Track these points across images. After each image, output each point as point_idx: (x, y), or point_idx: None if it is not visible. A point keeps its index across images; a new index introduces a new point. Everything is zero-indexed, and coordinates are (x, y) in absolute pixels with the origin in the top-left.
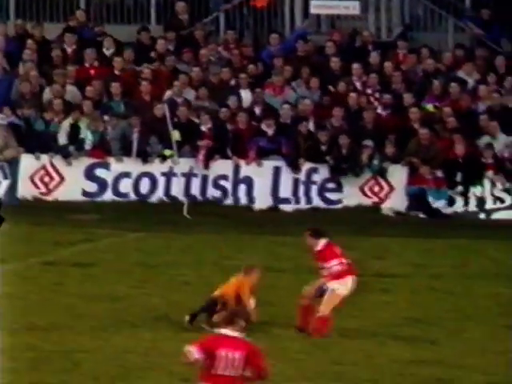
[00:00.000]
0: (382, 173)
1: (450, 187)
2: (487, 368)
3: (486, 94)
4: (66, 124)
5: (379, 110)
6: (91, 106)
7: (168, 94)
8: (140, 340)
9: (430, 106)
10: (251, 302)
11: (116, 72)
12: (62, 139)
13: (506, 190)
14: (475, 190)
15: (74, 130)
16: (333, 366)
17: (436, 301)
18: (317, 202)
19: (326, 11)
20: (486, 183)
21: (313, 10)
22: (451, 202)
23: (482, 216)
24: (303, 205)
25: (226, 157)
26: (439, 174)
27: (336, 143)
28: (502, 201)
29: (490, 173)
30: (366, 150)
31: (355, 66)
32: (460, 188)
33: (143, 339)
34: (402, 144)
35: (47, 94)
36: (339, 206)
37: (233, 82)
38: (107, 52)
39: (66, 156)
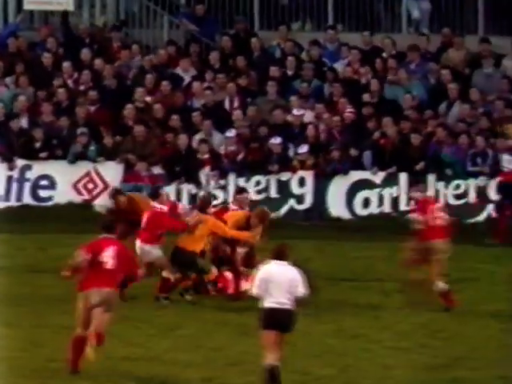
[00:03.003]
0: (97, 160)
1: (169, 184)
2: (202, 364)
3: (200, 91)
4: None
5: (91, 106)
6: None
7: None
8: None
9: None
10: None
11: None
12: None
13: (221, 187)
14: (189, 188)
15: None
16: (48, 363)
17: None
18: (28, 199)
19: (39, 7)
20: (203, 179)
21: (26, 6)
22: None
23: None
24: (14, 202)
25: None
26: (156, 170)
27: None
28: (215, 197)
29: (206, 169)
30: (81, 137)
31: (65, 64)
32: (176, 184)
33: None
34: (118, 140)
35: None
36: (50, 203)
37: None
38: None
39: None
